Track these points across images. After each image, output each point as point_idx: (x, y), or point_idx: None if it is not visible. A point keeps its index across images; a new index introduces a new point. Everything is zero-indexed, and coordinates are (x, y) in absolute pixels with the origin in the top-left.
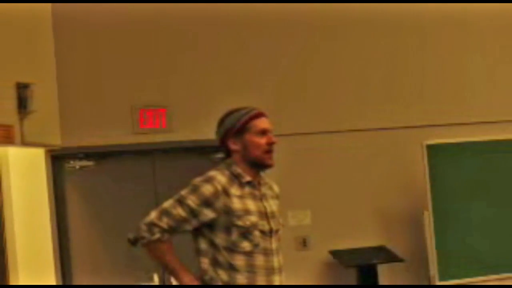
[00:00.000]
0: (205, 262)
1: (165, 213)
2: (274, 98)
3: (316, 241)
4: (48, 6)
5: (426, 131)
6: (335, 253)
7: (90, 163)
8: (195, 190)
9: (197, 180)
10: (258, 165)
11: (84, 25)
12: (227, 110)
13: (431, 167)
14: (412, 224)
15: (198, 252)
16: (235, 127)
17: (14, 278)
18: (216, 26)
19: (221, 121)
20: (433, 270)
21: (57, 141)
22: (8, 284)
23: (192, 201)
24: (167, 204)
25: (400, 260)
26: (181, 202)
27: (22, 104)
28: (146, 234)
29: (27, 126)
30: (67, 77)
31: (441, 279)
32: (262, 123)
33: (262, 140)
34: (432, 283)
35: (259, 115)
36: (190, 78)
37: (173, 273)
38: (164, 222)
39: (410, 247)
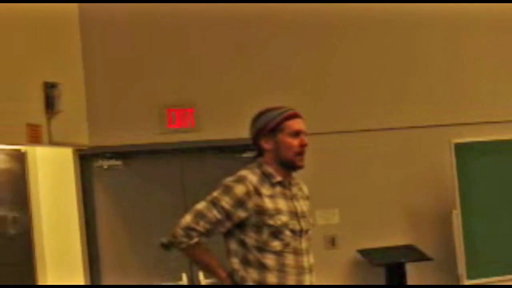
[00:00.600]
0: (235, 262)
1: (200, 216)
2: (302, 96)
3: (345, 240)
4: (75, 6)
5: (454, 129)
6: (363, 252)
7: (118, 162)
8: (227, 191)
9: (229, 180)
10: (288, 166)
11: (111, 24)
12: (254, 109)
13: (459, 165)
14: (440, 223)
15: (229, 252)
16: (268, 126)
17: (42, 277)
18: (240, 26)
19: (255, 119)
20: (462, 269)
21: (85, 141)
22: (36, 284)
23: (226, 202)
24: (201, 206)
25: (428, 259)
26: (215, 203)
27: (50, 104)
28: (184, 239)
29: (55, 126)
30: (94, 77)
31: (469, 278)
32: (296, 124)
33: (295, 142)
34: (460, 282)
35: (294, 115)
36: (217, 77)
37: (212, 272)
38: (201, 226)
39: (438, 246)
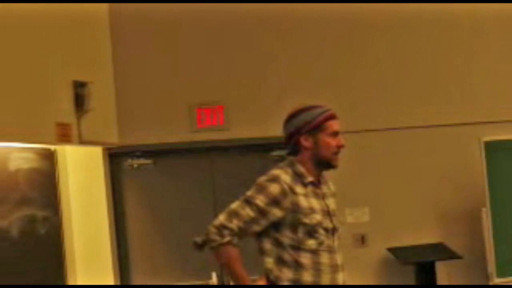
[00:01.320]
0: (269, 262)
1: (234, 214)
2: (333, 95)
3: (374, 238)
4: (105, 6)
5: (484, 127)
6: (393, 250)
7: (148, 161)
8: (262, 189)
9: (262, 179)
10: (324, 164)
11: (141, 24)
12: (284, 107)
13: (489, 163)
14: (470, 221)
15: (262, 252)
16: (310, 124)
17: (72, 276)
18: (268, 27)
19: (293, 116)
20: (491, 267)
21: (114, 140)
22: (66, 284)
23: (260, 200)
24: (234, 205)
25: (458, 257)
26: (249, 202)
27: (79, 103)
28: (216, 237)
29: (85, 125)
30: (124, 76)
31: (499, 276)
32: (336, 125)
33: (333, 142)
34: (490, 281)
35: (334, 116)
36: (247, 77)
37: (237, 280)
38: (234, 224)
39: (468, 244)
